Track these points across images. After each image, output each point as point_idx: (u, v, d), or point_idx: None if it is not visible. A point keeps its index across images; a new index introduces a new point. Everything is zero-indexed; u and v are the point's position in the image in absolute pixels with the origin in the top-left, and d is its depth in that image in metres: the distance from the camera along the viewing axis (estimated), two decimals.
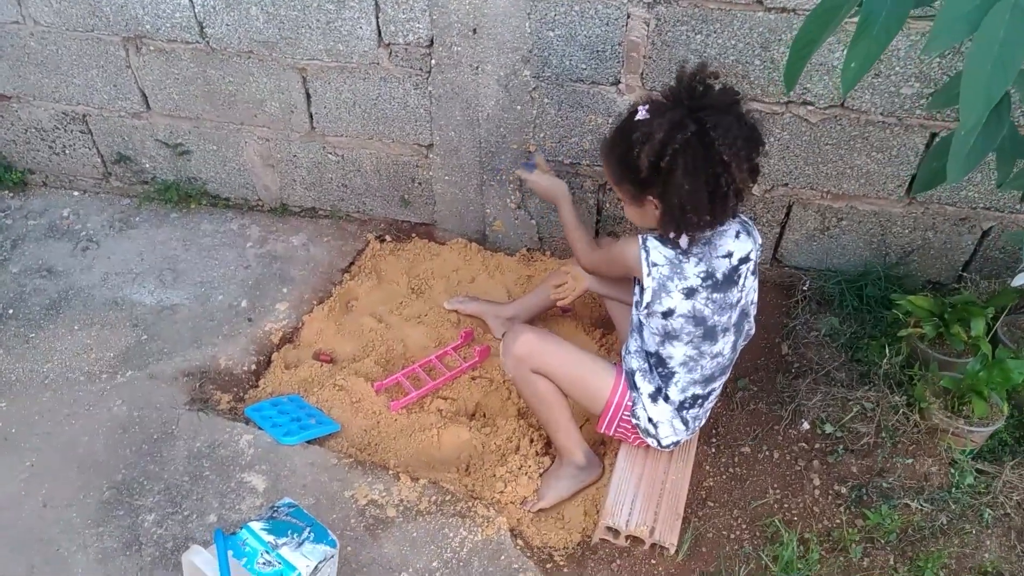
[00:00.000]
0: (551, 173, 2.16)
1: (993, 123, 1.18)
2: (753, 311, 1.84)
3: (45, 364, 2.21)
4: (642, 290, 1.71)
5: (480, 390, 2.23)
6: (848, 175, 2.24)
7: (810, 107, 2.12)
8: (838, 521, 1.85)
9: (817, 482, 1.94)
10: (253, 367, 2.25)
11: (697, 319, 1.69)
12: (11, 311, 2.38)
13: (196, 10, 2.32)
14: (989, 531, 1.82)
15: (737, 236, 1.71)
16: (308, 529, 1.57)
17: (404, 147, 2.51)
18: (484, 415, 2.19)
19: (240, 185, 2.76)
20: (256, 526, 1.54)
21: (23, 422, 2.03)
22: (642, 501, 1.83)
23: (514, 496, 1.90)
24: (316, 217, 2.79)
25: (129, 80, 2.54)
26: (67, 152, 2.80)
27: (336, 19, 2.25)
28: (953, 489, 1.88)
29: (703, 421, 1.91)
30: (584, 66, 2.18)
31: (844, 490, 1.91)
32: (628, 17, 2.06)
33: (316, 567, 1.51)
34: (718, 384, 1.85)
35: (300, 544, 1.53)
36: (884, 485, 1.89)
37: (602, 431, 1.88)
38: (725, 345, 1.76)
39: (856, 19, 1.10)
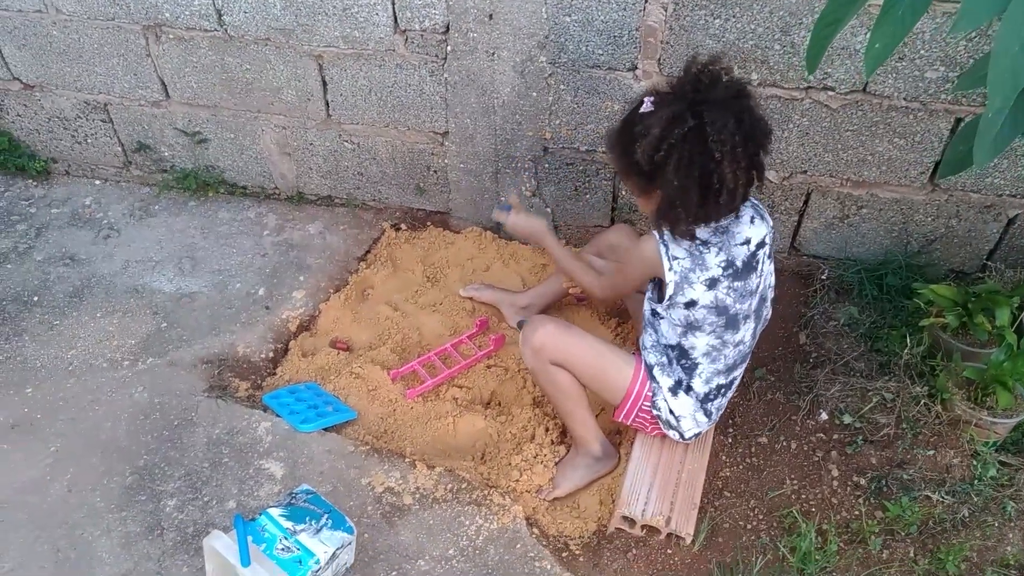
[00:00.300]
0: (526, 212, 2.13)
1: (1021, 106, 1.15)
2: (771, 295, 1.82)
3: (69, 351, 2.24)
4: (659, 285, 1.70)
5: (495, 378, 2.23)
6: (869, 162, 2.20)
7: (831, 92, 2.09)
8: (857, 513, 1.83)
9: (836, 473, 1.92)
10: (271, 355, 2.27)
11: (719, 309, 1.67)
12: (36, 298, 2.42)
13: None
14: (1012, 524, 1.80)
15: (752, 221, 1.68)
16: (326, 516, 1.58)
17: (419, 135, 2.51)
18: (499, 403, 2.19)
19: (257, 173, 2.77)
20: (275, 512, 1.55)
21: (48, 408, 2.06)
22: (658, 490, 1.83)
23: (529, 485, 1.90)
24: (332, 205, 2.79)
25: (149, 69, 2.56)
26: (89, 141, 2.83)
27: (352, 5, 2.24)
28: (975, 481, 1.85)
29: (723, 410, 1.90)
30: (601, 52, 2.16)
31: (863, 481, 1.89)
32: (645, 1, 2.03)
33: (334, 553, 1.53)
34: (739, 372, 1.84)
35: (318, 530, 1.54)
36: (904, 477, 1.87)
37: (619, 420, 1.87)
38: (746, 333, 1.75)
39: None
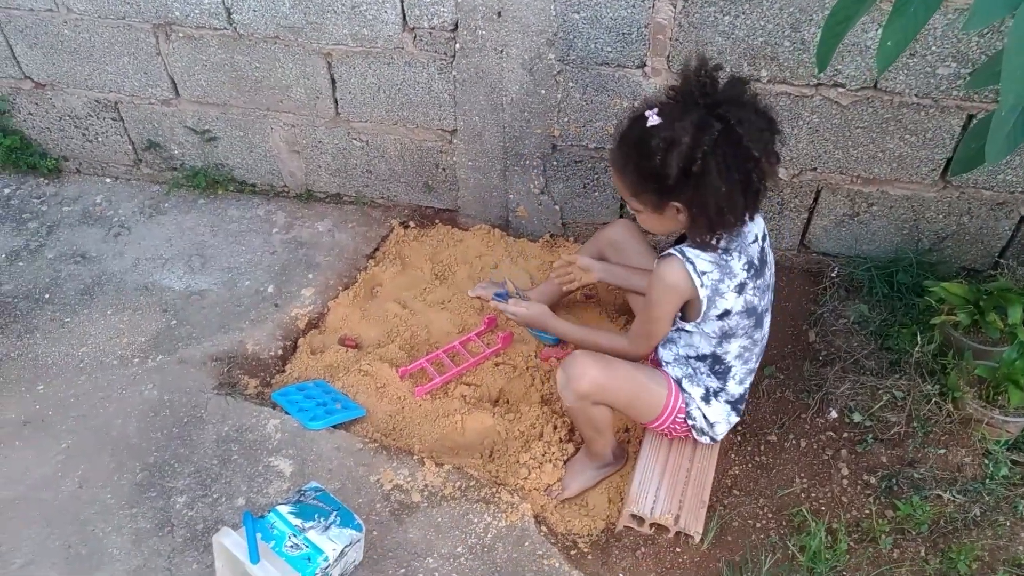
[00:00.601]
0: (523, 298, 2.11)
1: None
2: (773, 281, 1.80)
3: (80, 348, 2.25)
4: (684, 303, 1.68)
5: (504, 376, 2.23)
6: (880, 159, 2.19)
7: (841, 89, 2.07)
8: (867, 512, 1.82)
9: (845, 472, 1.91)
10: (279, 352, 2.28)
11: (749, 311, 1.66)
12: (47, 296, 2.43)
13: None
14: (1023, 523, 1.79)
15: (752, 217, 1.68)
16: (334, 513, 1.58)
17: (428, 132, 2.51)
18: (507, 401, 2.19)
19: (266, 171, 2.78)
20: (284, 510, 1.56)
21: (59, 405, 2.08)
22: (667, 489, 1.82)
23: (538, 483, 1.90)
24: (341, 203, 2.80)
25: (159, 67, 2.57)
26: (100, 139, 2.84)
27: (361, 3, 2.24)
28: (987, 480, 1.84)
29: None
30: (609, 49, 2.15)
31: (873, 480, 1.89)
32: None
33: (342, 551, 1.53)
34: (758, 363, 1.84)
35: (327, 528, 1.54)
36: (915, 475, 1.86)
37: (650, 427, 1.87)
38: (767, 326, 1.75)
39: None
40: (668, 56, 2.12)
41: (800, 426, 2.04)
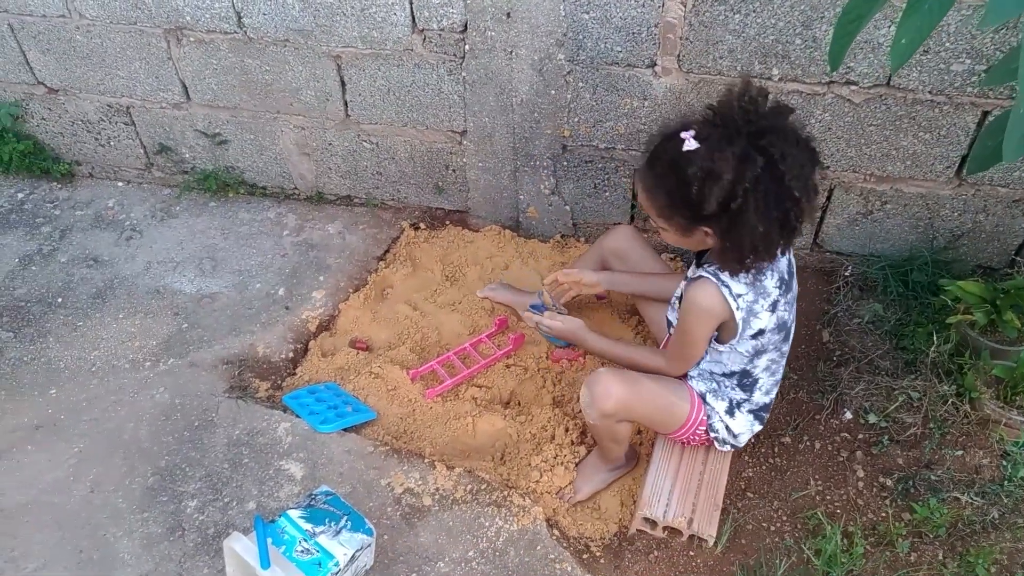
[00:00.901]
0: (558, 310, 2.06)
1: None
2: (797, 289, 1.78)
3: (92, 352, 2.26)
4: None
5: (514, 378, 2.22)
6: (893, 156, 2.16)
7: (854, 87, 2.05)
8: (884, 514, 1.80)
9: (861, 474, 1.89)
10: (290, 355, 2.28)
11: (780, 326, 1.65)
12: (60, 300, 2.44)
13: (234, 0, 2.33)
14: None
15: None
16: (345, 517, 1.58)
17: (438, 134, 2.50)
18: (519, 403, 2.18)
19: (277, 174, 2.79)
20: (294, 514, 1.55)
21: (71, 408, 2.08)
22: (680, 492, 1.81)
23: (550, 486, 1.89)
24: (351, 205, 2.80)
25: (170, 71, 2.58)
26: (112, 143, 2.86)
27: (370, 6, 2.24)
28: (1005, 482, 1.81)
29: None
30: (619, 49, 2.14)
31: (890, 482, 1.86)
32: None
33: (353, 555, 1.52)
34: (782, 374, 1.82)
35: (338, 532, 1.54)
36: (932, 477, 1.84)
37: (669, 436, 1.86)
38: (791, 336, 1.73)
39: None
40: (678, 55, 2.10)
41: (814, 427, 2.01)
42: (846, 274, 2.36)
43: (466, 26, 2.21)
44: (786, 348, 1.72)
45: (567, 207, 2.54)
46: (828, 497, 1.86)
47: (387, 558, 1.72)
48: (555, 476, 1.90)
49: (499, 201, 2.61)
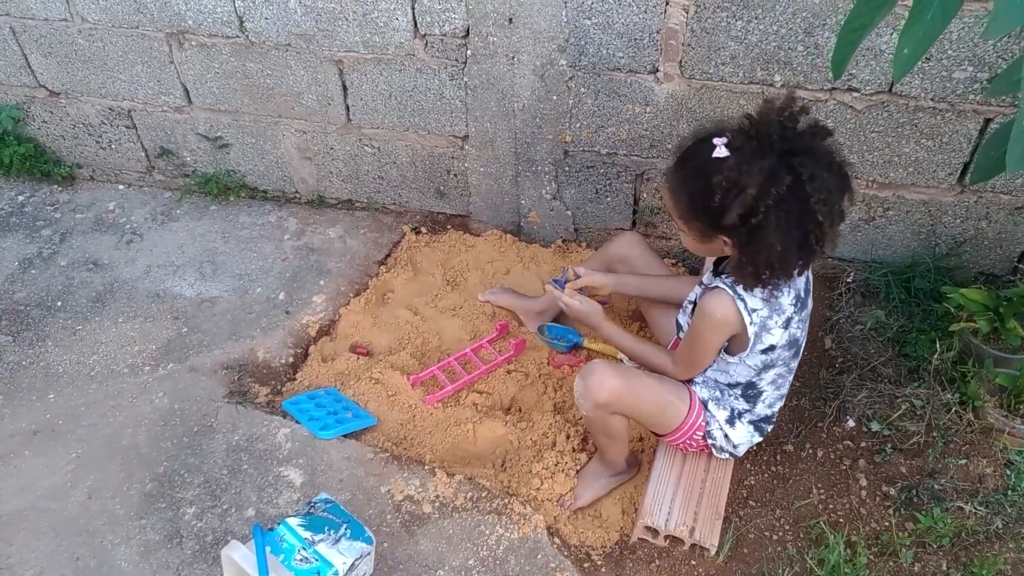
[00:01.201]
0: (581, 294, 1.99)
1: None
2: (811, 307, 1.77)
3: (91, 356, 2.25)
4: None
5: (515, 384, 2.21)
6: (895, 163, 2.16)
7: (856, 93, 2.04)
8: (887, 524, 1.79)
9: (864, 482, 1.88)
10: (291, 360, 2.27)
11: (791, 343, 1.64)
12: (59, 303, 2.44)
13: (236, 4, 2.33)
14: None
15: None
16: (345, 526, 1.57)
17: (439, 139, 2.50)
18: (520, 409, 2.17)
19: (278, 177, 2.78)
20: (293, 522, 1.55)
21: (70, 414, 2.07)
22: (681, 500, 1.80)
23: (550, 494, 1.88)
24: (352, 209, 2.79)
25: (172, 75, 2.57)
26: (113, 147, 2.85)
27: (372, 10, 2.24)
28: (1009, 492, 1.80)
29: None
30: (621, 54, 2.13)
31: (893, 491, 1.85)
32: (667, 3, 2.01)
33: (353, 564, 1.51)
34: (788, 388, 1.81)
35: (337, 541, 1.53)
36: (936, 487, 1.83)
37: (665, 441, 1.85)
38: (800, 353, 1.71)
39: (909, 1, 1.05)
40: (680, 61, 2.10)
41: (817, 435, 2.00)
42: (848, 280, 2.35)
43: (468, 31, 2.20)
44: (795, 364, 1.71)
45: (568, 212, 2.54)
46: (831, 506, 1.85)
47: (387, 566, 1.71)
48: (556, 483, 1.89)
49: (500, 206, 2.60)
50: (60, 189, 2.92)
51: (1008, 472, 1.84)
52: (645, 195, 2.43)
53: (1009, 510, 1.78)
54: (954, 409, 1.93)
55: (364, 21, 2.26)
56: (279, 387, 2.20)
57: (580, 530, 1.84)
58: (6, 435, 2.02)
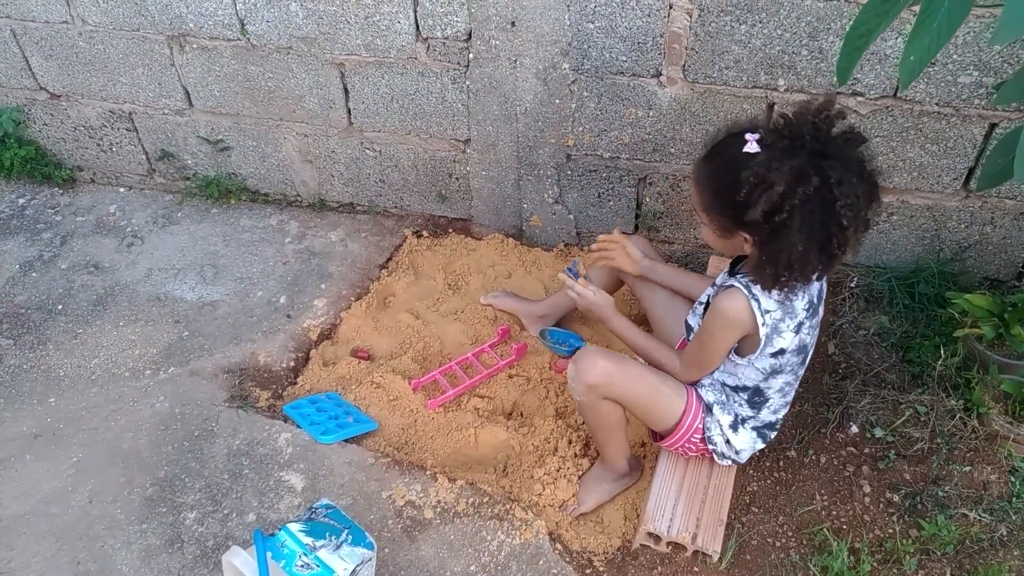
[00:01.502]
0: (593, 286, 1.95)
1: None
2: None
3: (92, 360, 2.25)
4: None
5: (517, 388, 2.20)
6: (900, 168, 2.15)
7: (860, 98, 2.04)
8: (891, 531, 1.78)
9: (867, 489, 1.87)
10: (292, 364, 2.26)
11: (800, 349, 1.63)
12: (60, 307, 2.43)
13: (238, 7, 2.32)
14: None
15: None
16: (346, 531, 1.56)
17: (441, 142, 2.49)
18: (521, 414, 2.16)
19: (279, 181, 2.77)
20: (294, 528, 1.54)
21: (71, 418, 2.07)
22: (684, 506, 1.79)
23: (552, 499, 1.87)
24: (354, 212, 2.79)
25: (173, 78, 2.57)
26: (114, 149, 2.85)
27: (374, 13, 2.23)
28: (1014, 499, 1.80)
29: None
30: (624, 58, 2.12)
31: (897, 498, 1.84)
32: (670, 7, 2.00)
33: (354, 570, 1.50)
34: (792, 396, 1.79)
35: (338, 546, 1.52)
36: (940, 494, 1.82)
37: (664, 446, 1.83)
38: (808, 360, 1.70)
39: (915, 7, 1.04)
40: (684, 65, 2.09)
41: (820, 441, 1.99)
42: (852, 285, 2.34)
43: (470, 35, 2.20)
44: (802, 372, 1.70)
45: (571, 216, 2.53)
46: (834, 512, 1.84)
47: (388, 572, 1.70)
48: (558, 489, 1.88)
49: (502, 209, 2.60)
50: (61, 192, 2.91)
51: (1013, 479, 1.83)
52: (648, 199, 2.42)
53: (1014, 517, 1.77)
54: (958, 415, 1.92)
55: (366, 24, 2.26)
56: (280, 391, 2.19)
57: (582, 536, 1.83)
58: (7, 439, 2.01)
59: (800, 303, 1.56)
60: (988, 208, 2.17)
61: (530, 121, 2.33)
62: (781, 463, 1.96)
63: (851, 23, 1.12)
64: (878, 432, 1.96)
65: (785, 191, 1.38)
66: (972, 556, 1.72)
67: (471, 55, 2.24)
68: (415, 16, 2.21)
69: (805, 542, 1.79)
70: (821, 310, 1.66)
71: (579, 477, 1.93)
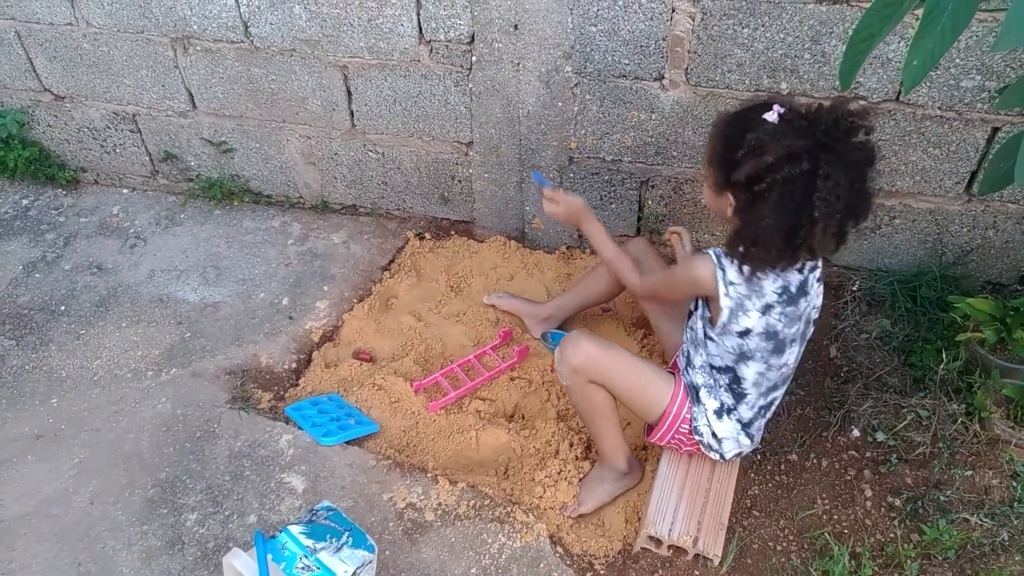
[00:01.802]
0: (563, 191, 2.01)
1: None
2: (815, 315, 1.76)
3: (94, 361, 2.25)
4: (707, 307, 1.66)
5: (519, 391, 2.20)
6: (902, 172, 2.15)
7: (863, 102, 2.04)
8: (892, 535, 1.77)
9: (869, 493, 1.87)
10: (294, 365, 2.26)
11: (769, 334, 1.63)
12: (63, 308, 2.44)
13: (242, 10, 2.33)
14: None
15: None
16: (347, 533, 1.56)
17: (444, 144, 2.50)
18: (523, 417, 2.16)
19: (282, 182, 2.78)
20: (295, 530, 1.54)
21: (73, 419, 2.07)
22: (685, 509, 1.79)
23: (553, 502, 1.87)
24: (356, 214, 2.79)
25: (176, 80, 2.58)
26: (117, 151, 2.85)
27: (377, 16, 2.23)
28: (1015, 504, 1.79)
29: (763, 431, 1.85)
30: (627, 61, 2.13)
31: (898, 502, 1.84)
32: (673, 11, 2.00)
33: (354, 573, 1.50)
34: (779, 393, 1.78)
35: (339, 549, 1.52)
36: (941, 498, 1.81)
37: (653, 442, 1.84)
38: (791, 356, 1.69)
39: (918, 11, 1.04)
40: (686, 68, 2.09)
41: (821, 445, 1.99)
42: (854, 289, 2.34)
43: (473, 37, 2.20)
44: (775, 362, 1.67)
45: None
46: (835, 517, 1.84)
47: (388, 575, 1.70)
48: (559, 491, 1.88)
49: (504, 212, 2.60)
50: (64, 193, 2.92)
51: (1014, 484, 1.82)
52: (650, 202, 2.42)
53: (1015, 522, 1.76)
54: (960, 420, 1.92)
55: (369, 27, 2.26)
56: (282, 393, 2.19)
57: (583, 539, 1.83)
58: (9, 440, 2.02)
59: (770, 285, 1.58)
60: (990, 212, 2.17)
61: (532, 124, 2.33)
62: (782, 467, 1.96)
63: (854, 27, 1.12)
64: (880, 436, 1.96)
65: (773, 163, 1.42)
66: (974, 561, 1.72)
67: (474, 58, 2.24)
68: (418, 19, 2.21)
69: (806, 546, 1.79)
70: (805, 306, 1.65)
71: (580, 480, 1.93)
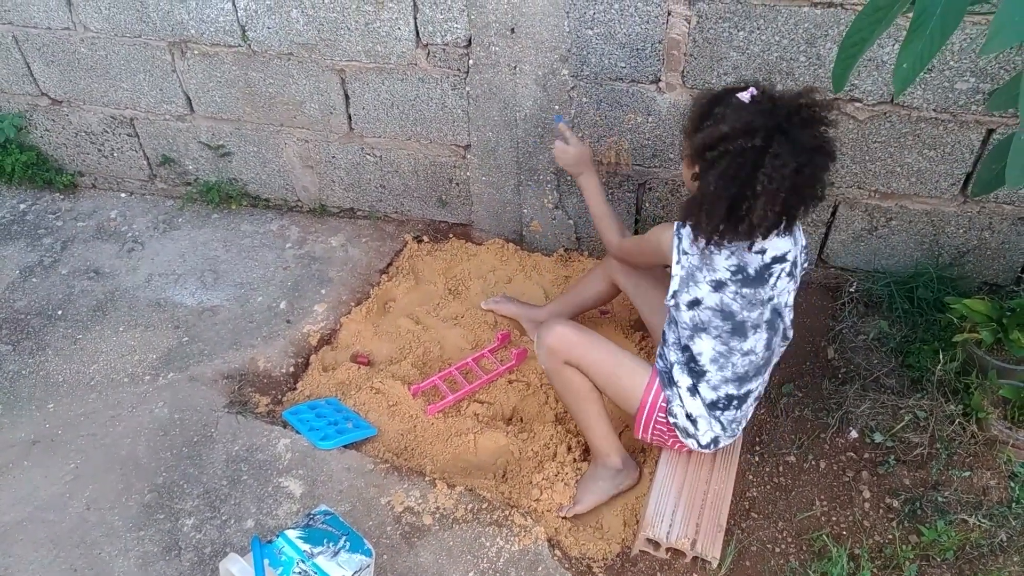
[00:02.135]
0: (578, 138, 2.12)
1: None
2: (788, 313, 1.75)
3: (91, 365, 2.25)
4: (670, 277, 1.70)
5: (517, 394, 2.20)
6: (898, 173, 2.15)
7: (858, 104, 2.04)
8: (890, 537, 1.77)
9: (867, 494, 1.87)
10: (291, 369, 2.26)
11: (725, 313, 1.66)
12: (60, 312, 2.43)
13: (239, 14, 2.33)
14: None
15: (776, 235, 1.64)
16: (344, 538, 1.56)
17: (441, 148, 2.50)
18: (521, 420, 2.16)
19: (280, 186, 2.78)
20: (292, 534, 1.53)
21: (69, 423, 2.07)
22: (683, 511, 1.78)
23: (551, 504, 1.87)
24: (354, 218, 2.79)
25: (174, 84, 2.58)
26: (115, 155, 2.86)
27: (375, 20, 2.24)
28: (1013, 504, 1.79)
29: (743, 424, 1.84)
30: (623, 64, 2.13)
31: (896, 504, 1.84)
32: (669, 14, 2.01)
33: None
34: (755, 385, 1.77)
35: (336, 553, 1.52)
36: (939, 499, 1.81)
37: (639, 435, 1.84)
38: (757, 343, 1.70)
39: (909, 14, 1.05)
40: (683, 71, 2.10)
41: (819, 446, 1.99)
42: (851, 290, 2.34)
43: (470, 41, 2.20)
44: (737, 345, 1.68)
45: (571, 221, 2.53)
46: (834, 518, 1.84)
47: None
48: (556, 494, 1.88)
49: (502, 215, 2.60)
50: (62, 197, 2.92)
51: (1012, 484, 1.82)
52: (647, 204, 2.43)
53: (1013, 523, 1.76)
54: (958, 421, 1.92)
55: (366, 31, 2.27)
56: (279, 397, 2.19)
57: (581, 542, 1.83)
58: (5, 445, 2.01)
59: (723, 261, 1.63)
60: (986, 213, 2.17)
61: (530, 127, 2.33)
62: (780, 468, 1.96)
63: (846, 31, 1.12)
64: (877, 437, 1.96)
65: (727, 134, 1.48)
66: (972, 562, 1.72)
67: (471, 61, 2.24)
68: (415, 23, 2.21)
69: (804, 548, 1.79)
70: (768, 291, 1.66)
71: (576, 481, 1.92)
